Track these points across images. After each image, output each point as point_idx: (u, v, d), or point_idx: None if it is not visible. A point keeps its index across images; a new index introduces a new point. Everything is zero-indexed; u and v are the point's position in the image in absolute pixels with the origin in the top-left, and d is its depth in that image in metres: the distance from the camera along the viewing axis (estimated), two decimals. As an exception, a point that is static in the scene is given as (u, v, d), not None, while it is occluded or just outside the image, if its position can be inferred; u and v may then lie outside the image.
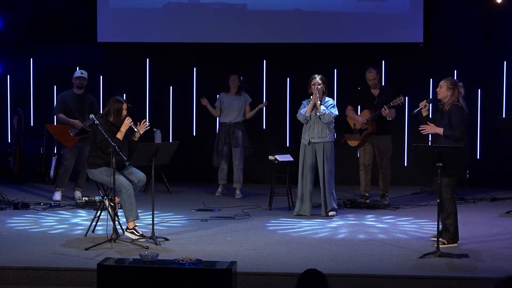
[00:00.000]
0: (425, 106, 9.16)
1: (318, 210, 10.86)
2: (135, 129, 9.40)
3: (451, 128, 8.93)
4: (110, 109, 9.42)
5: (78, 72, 11.79)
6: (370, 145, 11.65)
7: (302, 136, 10.87)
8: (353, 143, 11.79)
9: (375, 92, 11.66)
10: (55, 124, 12.52)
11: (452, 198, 8.99)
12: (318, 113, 10.63)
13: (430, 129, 9.06)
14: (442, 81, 9.13)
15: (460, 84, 9.11)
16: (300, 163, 10.81)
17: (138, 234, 9.16)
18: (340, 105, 13.20)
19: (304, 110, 10.72)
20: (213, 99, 12.59)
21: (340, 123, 11.69)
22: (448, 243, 8.95)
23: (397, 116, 11.70)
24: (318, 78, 10.74)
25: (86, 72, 11.82)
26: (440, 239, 8.80)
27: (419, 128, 9.13)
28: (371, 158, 11.70)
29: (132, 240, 9.02)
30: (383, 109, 11.24)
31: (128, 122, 9.35)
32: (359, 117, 11.59)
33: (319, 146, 10.71)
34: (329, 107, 10.68)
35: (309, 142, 10.72)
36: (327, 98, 10.80)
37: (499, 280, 4.77)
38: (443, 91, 9.07)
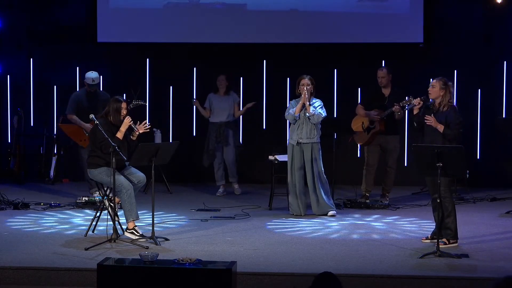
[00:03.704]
0: (419, 103, 9.19)
1: (310, 210, 10.87)
2: (134, 128, 9.39)
3: (448, 128, 8.94)
4: (109, 109, 9.43)
5: (89, 79, 11.81)
6: (376, 145, 11.66)
7: (289, 136, 10.88)
8: (360, 141, 11.83)
9: (386, 92, 11.67)
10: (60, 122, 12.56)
11: (450, 196, 9.01)
12: (307, 114, 10.64)
13: (434, 122, 9.02)
14: (435, 81, 9.11)
15: (450, 83, 9.12)
16: (289, 164, 10.82)
17: (138, 234, 9.16)
18: (340, 105, 13.27)
19: (293, 110, 10.73)
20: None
21: (347, 124, 11.75)
22: (449, 243, 8.94)
23: (408, 117, 11.77)
24: (307, 78, 10.75)
25: (97, 76, 11.86)
26: (440, 239, 8.81)
27: (425, 118, 9.03)
28: (376, 158, 11.70)
29: (132, 240, 9.02)
30: (395, 105, 11.22)
31: (127, 121, 9.35)
32: (370, 111, 11.56)
33: (307, 147, 10.72)
34: (318, 108, 10.68)
35: (298, 143, 10.74)
36: (314, 99, 10.79)
37: (497, 280, 4.77)
38: (436, 91, 9.06)
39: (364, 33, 13.17)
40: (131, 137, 9.47)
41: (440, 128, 8.97)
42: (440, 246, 8.59)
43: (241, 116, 13.42)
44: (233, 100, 12.46)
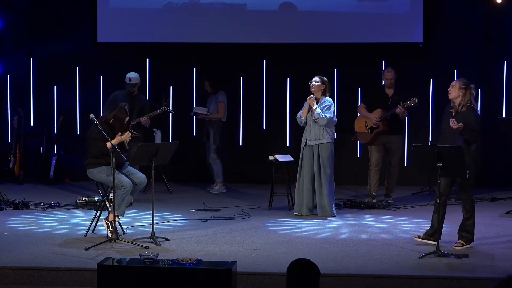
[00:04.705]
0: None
1: (316, 210, 10.86)
2: (126, 144, 9.53)
3: (467, 129, 8.83)
4: (116, 114, 9.51)
5: (127, 78, 11.98)
6: (380, 145, 11.67)
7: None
8: (363, 141, 11.84)
9: (390, 92, 11.69)
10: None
11: (472, 200, 9.02)
12: (313, 117, 10.64)
13: (457, 125, 8.87)
14: (455, 81, 9.08)
15: (472, 85, 9.04)
16: (299, 164, 10.84)
17: (111, 230, 9.16)
18: (339, 105, 13.26)
19: (300, 113, 10.76)
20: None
21: (347, 123, 11.74)
22: (466, 244, 8.94)
23: (408, 117, 11.80)
24: (317, 77, 10.77)
25: (135, 77, 11.96)
26: (459, 241, 8.88)
27: (452, 123, 8.85)
28: (381, 158, 11.72)
29: (132, 240, 9.02)
30: (398, 107, 11.24)
31: (127, 136, 9.45)
32: (371, 115, 11.58)
33: (315, 148, 10.71)
34: (325, 108, 10.64)
35: (306, 144, 10.74)
36: (324, 99, 10.76)
37: (499, 279, 4.77)
38: (455, 90, 8.98)
39: (364, 33, 13.16)
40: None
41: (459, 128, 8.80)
42: (457, 248, 8.72)
43: (241, 116, 13.45)
44: (216, 100, 12.53)
